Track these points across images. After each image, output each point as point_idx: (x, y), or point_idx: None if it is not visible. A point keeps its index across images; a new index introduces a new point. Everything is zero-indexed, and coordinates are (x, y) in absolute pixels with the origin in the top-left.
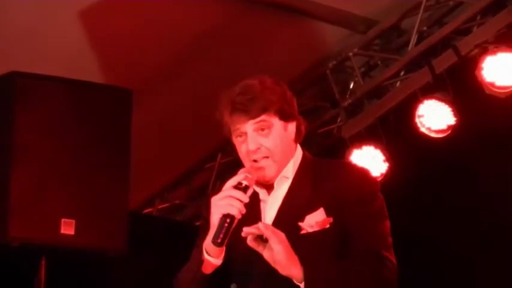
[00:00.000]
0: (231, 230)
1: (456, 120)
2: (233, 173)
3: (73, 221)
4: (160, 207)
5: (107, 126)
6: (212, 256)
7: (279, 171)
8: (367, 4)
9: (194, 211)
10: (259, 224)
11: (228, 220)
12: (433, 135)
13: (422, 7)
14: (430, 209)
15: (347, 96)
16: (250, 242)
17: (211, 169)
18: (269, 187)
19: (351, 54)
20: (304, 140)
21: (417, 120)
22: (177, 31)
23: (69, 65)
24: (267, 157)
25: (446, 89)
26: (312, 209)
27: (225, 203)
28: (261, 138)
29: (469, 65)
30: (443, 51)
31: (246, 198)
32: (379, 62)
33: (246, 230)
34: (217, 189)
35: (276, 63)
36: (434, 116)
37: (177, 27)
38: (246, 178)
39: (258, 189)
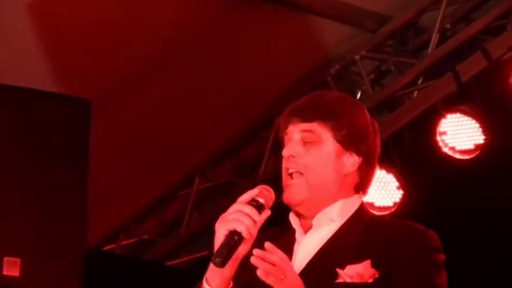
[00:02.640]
0: (237, 249)
1: (486, 139)
2: (213, 201)
3: (18, 260)
4: (124, 243)
5: (62, 143)
6: (212, 286)
7: (307, 198)
8: None
9: (165, 248)
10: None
11: (235, 238)
12: (457, 156)
13: (444, 0)
14: (454, 247)
15: None
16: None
17: (186, 197)
18: (308, 228)
19: (357, 57)
20: None
21: (438, 138)
22: (148, 31)
23: (16, 72)
24: (301, 174)
25: (473, 101)
26: (357, 260)
27: (233, 217)
28: (302, 148)
29: (501, 71)
30: (470, 54)
31: (258, 217)
32: (392, 67)
33: (254, 256)
34: (194, 221)
35: (267, 68)
36: (460, 134)
37: (148, 26)
38: (261, 195)
39: (296, 226)
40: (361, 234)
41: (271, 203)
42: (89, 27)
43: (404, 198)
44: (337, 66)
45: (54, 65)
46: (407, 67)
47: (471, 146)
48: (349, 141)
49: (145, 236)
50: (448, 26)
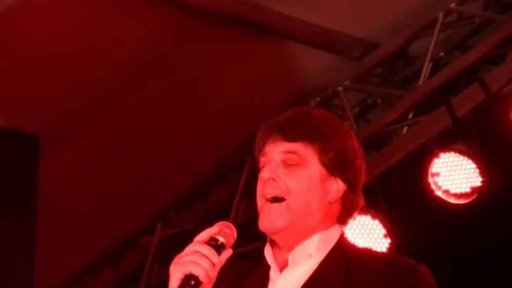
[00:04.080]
0: None
1: (483, 181)
2: (178, 250)
3: None
4: None
5: (7, 182)
6: None
7: (289, 226)
8: (364, 22)
9: None
10: None
11: (191, 282)
12: (452, 200)
13: (438, 25)
14: None
15: None
16: None
17: (147, 245)
18: (284, 264)
19: (340, 88)
20: None
21: (431, 180)
22: (102, 59)
23: None
24: (283, 199)
25: (470, 138)
26: None
27: (189, 259)
28: (283, 171)
29: (501, 105)
30: (467, 85)
31: (217, 258)
32: (379, 100)
33: None
34: (155, 273)
35: (239, 100)
36: (454, 175)
37: (102, 55)
38: (221, 233)
39: (270, 262)
40: (342, 271)
41: (232, 241)
42: (38, 56)
43: (391, 247)
44: (318, 99)
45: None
46: (396, 100)
47: (467, 189)
48: (336, 165)
49: None
50: (441, 54)
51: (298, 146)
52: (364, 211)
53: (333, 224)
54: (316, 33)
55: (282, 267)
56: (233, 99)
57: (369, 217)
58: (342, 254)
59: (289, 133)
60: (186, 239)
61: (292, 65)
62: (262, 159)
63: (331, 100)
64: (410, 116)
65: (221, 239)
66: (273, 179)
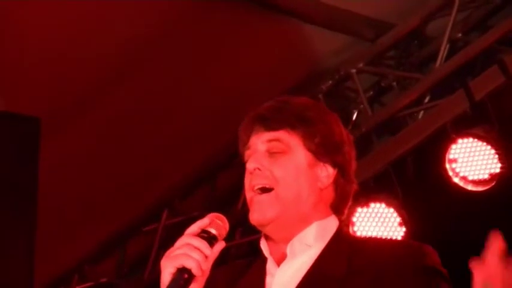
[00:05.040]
0: None
1: (503, 167)
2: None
3: None
4: (79, 287)
5: (7, 166)
6: None
7: (280, 216)
8: (378, 1)
9: None
10: None
11: (184, 275)
12: (470, 188)
13: (455, 5)
14: None
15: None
16: None
17: (152, 233)
18: (281, 257)
19: (354, 70)
20: None
21: (448, 166)
22: (104, 44)
23: None
24: (271, 189)
25: (488, 123)
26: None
27: (181, 252)
28: (268, 160)
29: None
30: (485, 68)
31: (209, 250)
32: (393, 83)
33: None
34: (160, 262)
35: (247, 82)
36: (472, 161)
37: (105, 39)
38: (213, 224)
39: (267, 255)
40: (345, 260)
41: (224, 233)
42: (39, 38)
43: (407, 236)
44: (330, 82)
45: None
46: (411, 83)
47: (485, 176)
48: (322, 150)
49: (104, 279)
50: (459, 35)
51: (281, 134)
52: (378, 199)
53: (329, 214)
54: (329, 13)
55: (279, 260)
56: (242, 81)
57: (383, 205)
58: (343, 243)
59: (271, 122)
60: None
61: (303, 46)
62: (247, 153)
63: (343, 83)
64: (426, 99)
65: (213, 231)
66: (259, 169)
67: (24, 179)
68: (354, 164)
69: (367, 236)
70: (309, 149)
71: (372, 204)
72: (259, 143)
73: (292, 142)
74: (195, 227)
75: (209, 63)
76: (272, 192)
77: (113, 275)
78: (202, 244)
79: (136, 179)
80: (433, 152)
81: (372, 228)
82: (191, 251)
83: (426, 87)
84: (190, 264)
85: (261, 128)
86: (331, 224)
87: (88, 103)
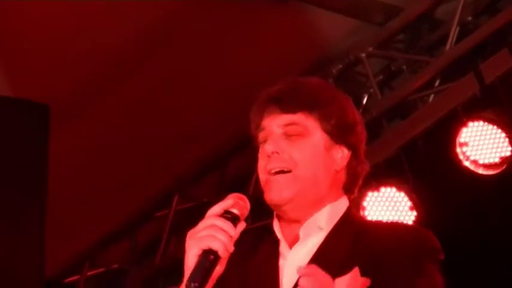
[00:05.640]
0: (213, 271)
1: None
2: (195, 224)
3: None
4: (90, 273)
5: (17, 153)
6: None
7: (295, 197)
8: None
9: (137, 279)
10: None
11: (210, 257)
12: (481, 171)
13: None
14: (479, 278)
15: None
16: None
17: (163, 219)
18: (294, 239)
19: (363, 54)
20: None
21: (459, 150)
22: (113, 30)
23: None
24: (289, 171)
25: (499, 106)
26: (345, 271)
27: (206, 233)
28: (286, 142)
29: None
30: (496, 51)
31: (233, 231)
32: (403, 67)
33: None
34: (171, 248)
35: (256, 67)
36: (483, 145)
37: (114, 24)
38: (236, 205)
39: (280, 237)
40: (350, 242)
41: (246, 213)
42: (49, 26)
43: (418, 220)
44: (340, 66)
45: (8, 67)
46: (421, 66)
47: (496, 160)
48: (338, 132)
49: (115, 265)
50: (469, 18)
51: (298, 117)
52: (389, 183)
53: (341, 195)
54: None
55: (292, 242)
56: (251, 67)
57: (394, 189)
58: (349, 225)
59: (287, 104)
60: (204, 212)
61: (312, 30)
62: (262, 134)
63: (353, 67)
64: (437, 83)
65: (235, 211)
66: (277, 152)
67: (34, 165)
68: (364, 145)
69: (376, 220)
70: (326, 131)
71: (383, 189)
72: (275, 125)
73: (310, 125)
74: (218, 208)
75: (218, 50)
76: (290, 174)
77: (124, 261)
78: (227, 225)
79: (147, 165)
80: (443, 135)
81: (382, 213)
82: (217, 232)
83: (436, 71)
84: (216, 246)
85: (276, 109)
86: (341, 206)
87: (100, 90)
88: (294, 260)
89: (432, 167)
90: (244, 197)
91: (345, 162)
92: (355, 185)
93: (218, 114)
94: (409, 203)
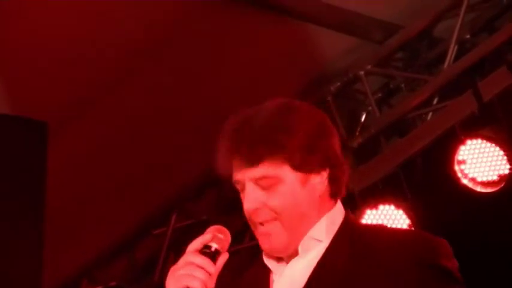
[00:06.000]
0: None
1: None
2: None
3: None
4: None
5: (15, 170)
6: None
7: (291, 240)
8: (385, 3)
9: None
10: None
11: None
12: (479, 189)
13: (463, 6)
14: None
15: (357, 134)
16: None
17: (162, 236)
18: (292, 254)
19: (362, 72)
20: None
21: (457, 168)
22: (109, 47)
23: None
24: (274, 219)
25: (497, 124)
26: (346, 282)
27: (184, 272)
28: (263, 194)
29: None
30: (494, 69)
31: (213, 267)
32: (402, 85)
33: None
34: (170, 265)
35: (253, 83)
36: (481, 163)
37: (109, 42)
38: (215, 239)
39: (266, 261)
40: (350, 253)
41: (227, 245)
42: (45, 42)
43: None
44: (338, 83)
45: (7, 86)
46: (420, 84)
47: (494, 177)
48: (308, 161)
49: (113, 283)
50: (467, 36)
51: (264, 169)
52: (387, 200)
53: (333, 204)
54: (336, 14)
55: (289, 258)
56: (247, 83)
57: (392, 207)
58: (348, 235)
59: (249, 156)
60: (202, 229)
61: (310, 48)
62: (236, 185)
63: (352, 85)
64: (435, 101)
65: (215, 245)
66: (258, 208)
67: (32, 183)
68: (338, 145)
69: (380, 225)
70: (296, 168)
71: (381, 206)
72: (247, 179)
73: (279, 171)
74: (197, 244)
75: (217, 65)
76: (276, 222)
77: (122, 278)
78: (205, 262)
79: (145, 182)
80: (442, 153)
81: None
82: (194, 270)
83: (435, 89)
84: (194, 285)
85: (240, 164)
86: (338, 215)
87: (95, 105)
88: (292, 274)
89: (430, 184)
90: (224, 229)
91: (325, 182)
92: (343, 186)
93: (217, 131)
94: (408, 221)
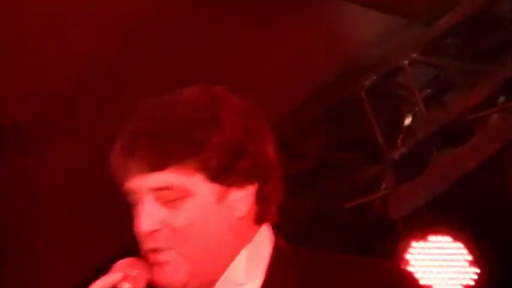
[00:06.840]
0: None
1: None
2: None
3: None
4: None
5: None
6: None
7: (190, 278)
8: None
9: None
10: None
11: None
12: None
13: None
14: None
15: (398, 142)
16: None
17: None
18: None
19: (406, 62)
20: (318, 220)
21: None
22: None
23: None
24: (170, 248)
25: None
26: None
27: None
28: (164, 211)
29: None
30: None
31: None
32: (457, 78)
33: None
34: None
35: (280, 70)
36: None
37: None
38: (127, 278)
39: None
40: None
41: (144, 281)
42: (26, 45)
43: (481, 279)
44: (375, 77)
45: None
46: (480, 77)
47: None
48: (229, 171)
49: None
50: None
51: (170, 176)
52: (440, 230)
53: (256, 230)
54: None
55: None
56: (274, 70)
57: (447, 238)
58: (290, 267)
59: (151, 158)
60: None
61: (343, 30)
62: (130, 199)
63: (393, 77)
64: (500, 99)
65: (127, 286)
66: (156, 231)
67: None
68: (273, 153)
69: (323, 250)
70: (212, 179)
71: (432, 238)
72: (144, 188)
73: (187, 182)
74: (105, 283)
75: (236, 51)
76: (172, 252)
77: None
78: None
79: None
80: (509, 167)
81: (433, 269)
82: None
83: (499, 83)
84: None
85: (136, 166)
86: (264, 243)
87: (92, 110)
88: None
89: (496, 208)
90: (137, 262)
91: (250, 200)
92: (271, 208)
93: None
94: (469, 257)
